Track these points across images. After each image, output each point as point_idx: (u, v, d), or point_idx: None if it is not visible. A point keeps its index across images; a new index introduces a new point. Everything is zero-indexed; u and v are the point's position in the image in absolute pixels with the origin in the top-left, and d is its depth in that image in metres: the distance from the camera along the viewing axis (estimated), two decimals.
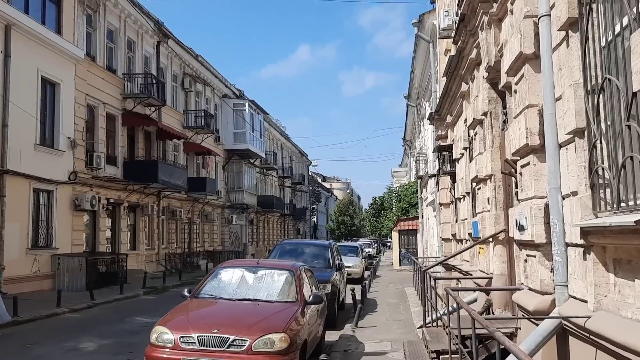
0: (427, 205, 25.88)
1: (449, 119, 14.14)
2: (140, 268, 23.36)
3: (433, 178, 18.61)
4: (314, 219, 79.02)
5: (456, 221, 13.90)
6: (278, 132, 52.17)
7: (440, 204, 15.94)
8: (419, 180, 27.51)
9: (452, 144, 13.89)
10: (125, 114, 23.21)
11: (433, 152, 15.21)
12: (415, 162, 26.02)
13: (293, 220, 58.17)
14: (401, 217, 30.16)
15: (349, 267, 22.39)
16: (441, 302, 11.44)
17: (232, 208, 36.45)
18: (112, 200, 21.84)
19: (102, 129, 21.48)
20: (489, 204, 8.55)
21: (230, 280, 7.68)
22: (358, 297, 14.34)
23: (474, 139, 9.83)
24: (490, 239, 8.45)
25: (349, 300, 13.80)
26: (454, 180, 14.56)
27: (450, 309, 7.90)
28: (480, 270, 9.41)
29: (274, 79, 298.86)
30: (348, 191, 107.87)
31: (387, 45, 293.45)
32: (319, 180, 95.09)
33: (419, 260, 18.17)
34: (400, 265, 28.67)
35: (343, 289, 14.21)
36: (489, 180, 8.50)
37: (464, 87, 10.99)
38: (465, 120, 11.46)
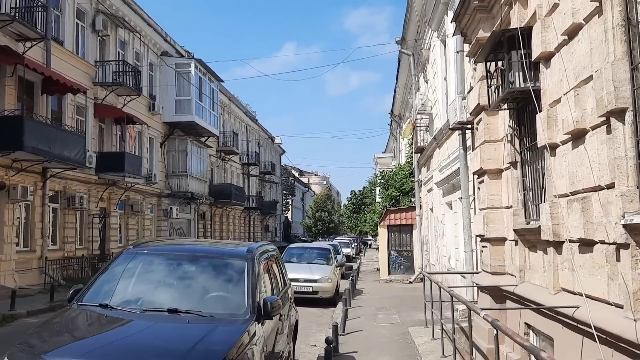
0: (429, 191, 18.30)
1: None
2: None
3: (456, 134, 10.93)
4: (287, 215, 71.39)
5: (542, 200, 6.29)
6: (242, 111, 44.14)
7: (480, 174, 8.31)
8: (416, 157, 19.89)
9: (528, 29, 6.21)
10: None
11: (476, 62, 7.54)
12: (414, 129, 18.40)
13: (260, 215, 50.29)
14: (390, 208, 22.58)
15: (314, 281, 14.72)
16: None
17: (172, 197, 28.45)
18: None
19: None
20: None
21: None
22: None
23: None
24: None
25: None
26: (523, 117, 6.97)
27: None
28: None
29: (258, 76, 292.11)
30: (324, 183, 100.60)
31: (372, 47, 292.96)
32: (296, 174, 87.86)
33: (431, 274, 10.44)
34: (389, 274, 21.05)
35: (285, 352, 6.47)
36: None
37: None
38: None
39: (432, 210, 17.57)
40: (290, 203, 76.64)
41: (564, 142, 5.48)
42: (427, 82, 17.99)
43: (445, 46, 14.39)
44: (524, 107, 7.03)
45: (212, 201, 33.97)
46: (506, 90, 6.33)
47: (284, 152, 62.11)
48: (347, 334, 9.85)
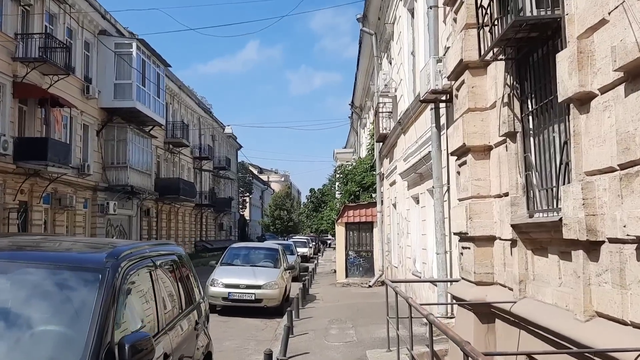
0: (391, 184, 16.42)
1: None
2: None
3: (428, 111, 9.01)
4: (244, 213, 68.83)
5: (559, 182, 4.35)
6: (194, 101, 41.50)
7: (462, 153, 6.37)
8: (377, 147, 17.97)
9: None
10: None
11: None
12: (375, 114, 16.48)
13: (214, 212, 47.68)
14: (349, 203, 20.64)
15: (257, 288, 12.62)
16: None
17: (110, 191, 25.74)
18: None
19: None
20: None
21: None
22: None
23: None
24: None
25: None
26: (526, 71, 5.06)
27: None
28: None
29: (220, 74, 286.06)
30: (284, 181, 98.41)
31: (335, 48, 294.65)
32: (255, 172, 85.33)
33: (395, 282, 8.47)
34: (347, 276, 19.08)
35: None
36: None
37: None
38: None
39: (394, 206, 15.68)
40: (247, 201, 74.10)
41: (606, 89, 3.55)
42: (390, 63, 16.11)
43: (413, 16, 12.53)
44: (527, 57, 5.11)
45: (158, 196, 31.33)
46: (512, 20, 4.33)
47: (240, 147, 59.63)
48: (289, 358, 7.77)
